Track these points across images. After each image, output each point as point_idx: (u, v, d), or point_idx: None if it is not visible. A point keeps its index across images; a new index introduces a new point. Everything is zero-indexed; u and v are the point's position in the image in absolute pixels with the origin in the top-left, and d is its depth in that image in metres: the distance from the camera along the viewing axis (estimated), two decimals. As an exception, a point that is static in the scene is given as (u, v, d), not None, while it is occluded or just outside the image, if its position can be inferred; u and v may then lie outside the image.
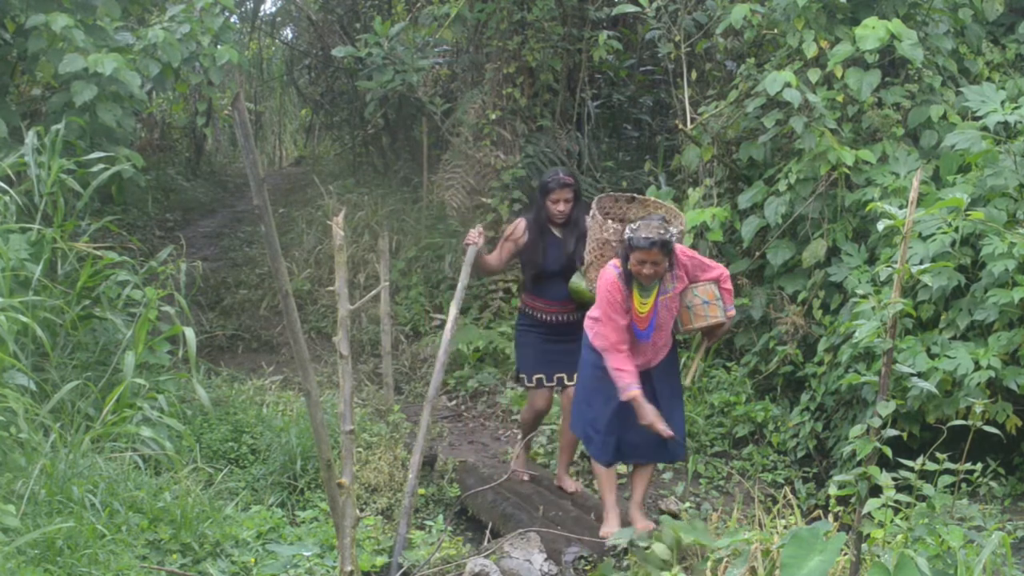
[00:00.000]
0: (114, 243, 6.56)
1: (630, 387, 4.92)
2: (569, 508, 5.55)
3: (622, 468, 5.76)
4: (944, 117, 6.55)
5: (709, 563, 4.36)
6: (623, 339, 5.00)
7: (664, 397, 5.19)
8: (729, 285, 5.23)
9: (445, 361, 5.78)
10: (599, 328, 5.07)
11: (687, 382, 5.36)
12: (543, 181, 5.81)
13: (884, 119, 6.58)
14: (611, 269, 5.04)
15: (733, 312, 5.27)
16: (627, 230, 4.91)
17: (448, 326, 5.70)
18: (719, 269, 5.23)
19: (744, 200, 6.95)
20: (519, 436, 7.06)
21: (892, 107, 6.68)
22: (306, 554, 4.78)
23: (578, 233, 5.66)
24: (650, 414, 4.92)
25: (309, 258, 10.06)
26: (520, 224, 5.78)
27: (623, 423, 5.10)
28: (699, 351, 5.45)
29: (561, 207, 5.66)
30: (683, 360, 5.73)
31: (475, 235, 5.67)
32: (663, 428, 4.92)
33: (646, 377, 5.15)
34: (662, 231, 4.83)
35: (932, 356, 5.57)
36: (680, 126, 7.58)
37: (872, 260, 6.27)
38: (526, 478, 5.93)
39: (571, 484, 5.85)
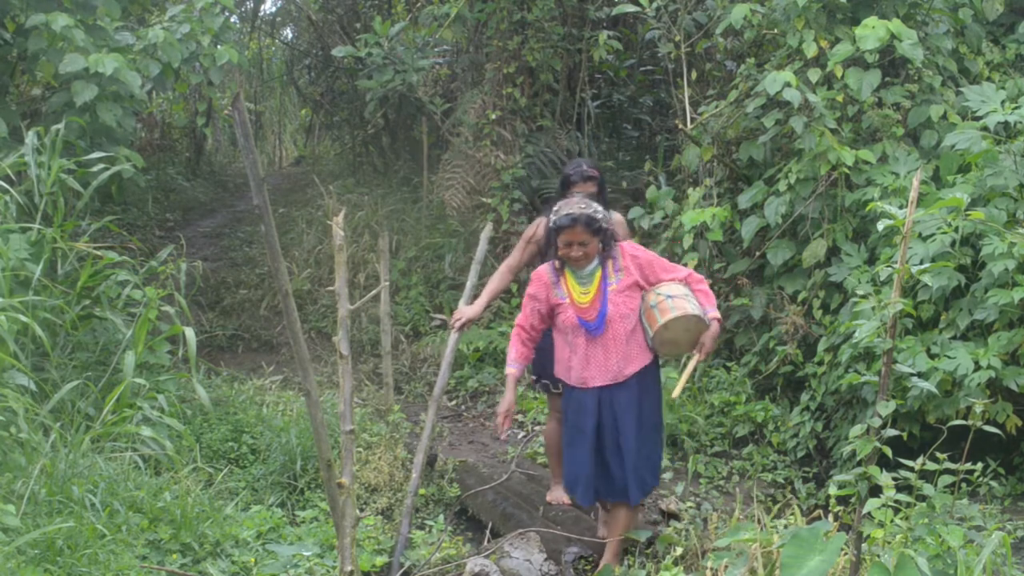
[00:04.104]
0: (114, 243, 6.56)
1: (510, 364, 4.83)
2: (569, 508, 5.55)
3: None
4: (944, 117, 6.55)
5: (709, 563, 4.36)
6: (533, 324, 4.82)
7: (627, 426, 4.73)
8: (703, 287, 4.84)
9: (451, 361, 5.79)
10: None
11: (673, 395, 4.98)
12: (565, 174, 5.47)
13: (884, 119, 6.58)
14: (546, 263, 4.88)
15: (715, 315, 4.80)
16: (552, 214, 4.70)
17: (452, 337, 5.71)
18: (686, 271, 4.87)
19: (744, 200, 6.95)
20: (522, 436, 7.07)
21: (892, 107, 6.68)
22: (306, 554, 4.78)
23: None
24: (504, 403, 4.82)
25: (309, 258, 10.06)
26: (542, 224, 5.42)
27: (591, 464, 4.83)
28: (689, 364, 5.00)
29: None
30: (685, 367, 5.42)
31: (461, 320, 5.48)
32: (502, 427, 4.81)
33: (607, 397, 4.73)
34: (583, 206, 4.60)
35: (932, 356, 5.57)
36: (680, 126, 7.58)
37: (872, 260, 6.26)
38: (568, 501, 5.48)
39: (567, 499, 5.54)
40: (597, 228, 4.61)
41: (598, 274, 4.71)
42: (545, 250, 5.20)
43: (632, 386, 4.74)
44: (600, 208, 4.65)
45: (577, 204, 4.62)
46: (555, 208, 4.67)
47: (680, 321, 4.65)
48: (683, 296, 4.70)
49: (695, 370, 5.01)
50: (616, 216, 5.54)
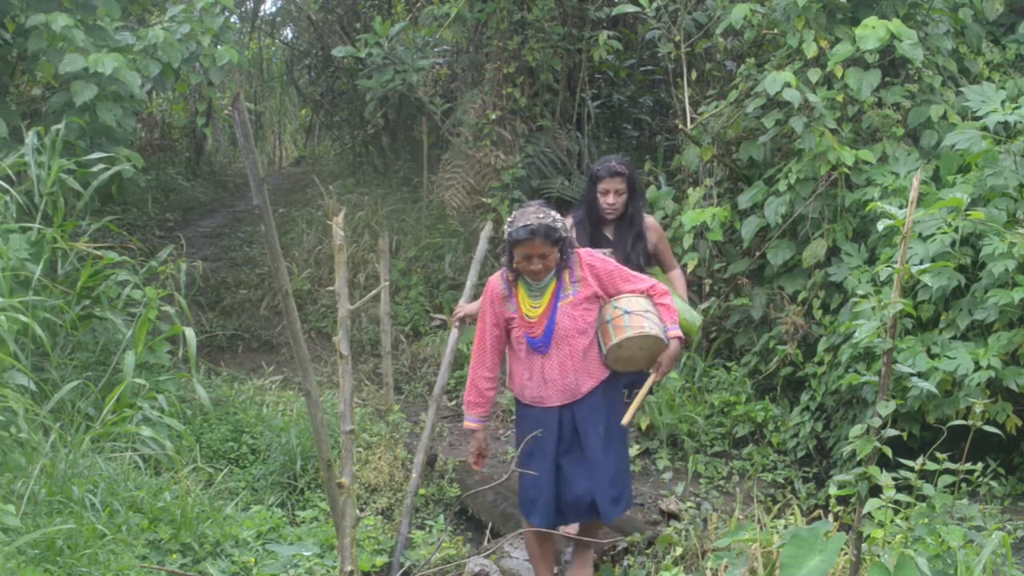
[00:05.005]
0: (114, 243, 6.57)
1: (472, 418, 4.52)
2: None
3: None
4: (944, 117, 6.55)
5: (709, 563, 4.36)
6: (491, 351, 4.47)
7: (592, 437, 4.45)
8: (666, 301, 4.48)
9: (451, 360, 5.79)
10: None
11: (624, 421, 4.47)
12: (593, 169, 5.19)
13: (884, 119, 6.58)
14: (497, 272, 4.54)
15: (676, 333, 4.44)
16: (505, 225, 4.34)
17: (452, 336, 5.71)
18: (649, 281, 4.51)
19: (744, 200, 6.95)
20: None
21: (892, 107, 6.68)
22: (306, 554, 4.78)
23: (634, 232, 5.18)
24: (476, 446, 4.54)
25: (309, 258, 10.06)
26: (567, 223, 5.10)
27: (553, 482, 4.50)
28: (643, 388, 4.59)
29: (611, 199, 5.11)
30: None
31: (460, 314, 5.26)
32: (478, 467, 4.60)
33: (567, 414, 4.45)
34: (541, 215, 4.22)
35: (932, 356, 5.57)
36: (680, 126, 7.58)
37: (872, 260, 6.27)
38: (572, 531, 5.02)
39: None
40: (557, 238, 4.25)
41: (552, 286, 4.37)
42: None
43: (595, 397, 4.46)
44: (557, 215, 4.31)
45: (534, 214, 4.24)
46: (509, 219, 4.32)
47: (635, 340, 4.35)
48: (642, 312, 4.37)
49: (650, 390, 4.60)
50: (649, 220, 5.41)
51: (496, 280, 4.46)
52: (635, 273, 4.57)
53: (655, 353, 4.45)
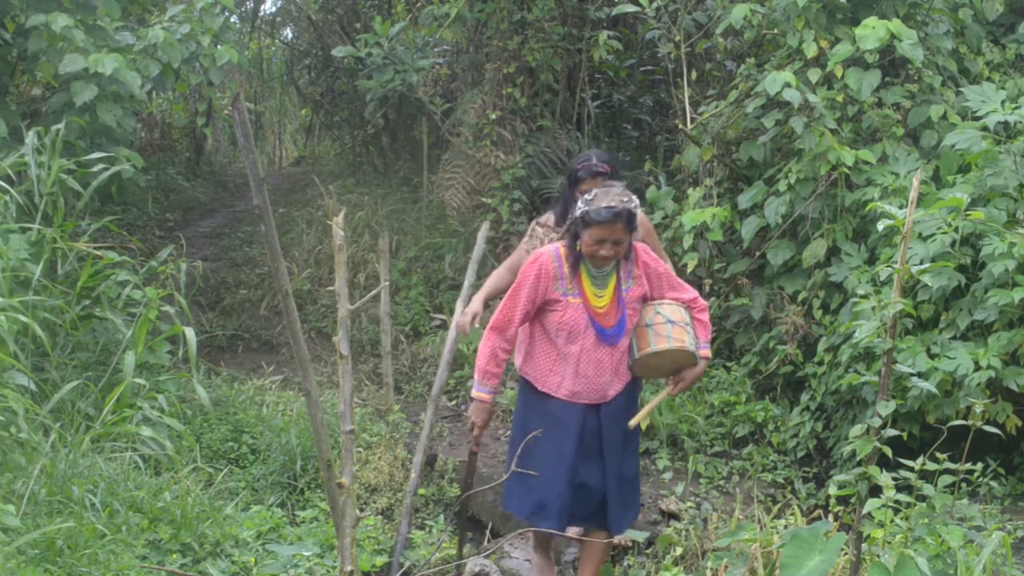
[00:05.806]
0: (114, 243, 6.57)
1: (484, 387, 4.25)
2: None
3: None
4: (944, 117, 6.55)
5: (709, 563, 4.36)
6: (517, 325, 4.20)
7: (613, 446, 4.31)
8: (704, 317, 4.33)
9: (450, 360, 5.78)
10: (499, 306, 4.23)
11: (631, 423, 4.30)
12: (572, 168, 4.85)
13: (884, 119, 6.58)
14: (548, 247, 4.23)
15: (706, 352, 4.32)
16: (581, 202, 4.06)
17: (452, 330, 5.70)
18: (693, 292, 4.35)
19: (744, 200, 6.95)
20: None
21: (892, 107, 6.68)
22: (306, 554, 4.79)
23: None
24: (481, 417, 4.32)
25: (309, 258, 10.06)
26: (548, 221, 5.03)
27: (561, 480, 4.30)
28: (659, 394, 4.55)
29: None
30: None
31: (466, 322, 5.00)
32: (474, 441, 4.47)
33: (592, 414, 4.27)
34: (625, 198, 3.97)
35: (932, 356, 5.57)
36: (680, 126, 7.58)
37: (872, 260, 6.27)
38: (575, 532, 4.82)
39: None
40: (635, 226, 4.04)
41: (614, 277, 4.18)
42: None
43: (620, 401, 4.32)
44: (637, 200, 4.07)
45: (618, 196, 3.98)
46: (588, 196, 4.04)
47: (674, 353, 4.23)
48: (683, 325, 4.22)
49: (651, 410, 4.49)
50: (639, 216, 5.25)
51: (548, 257, 4.16)
52: (681, 280, 4.41)
53: (682, 367, 4.32)
